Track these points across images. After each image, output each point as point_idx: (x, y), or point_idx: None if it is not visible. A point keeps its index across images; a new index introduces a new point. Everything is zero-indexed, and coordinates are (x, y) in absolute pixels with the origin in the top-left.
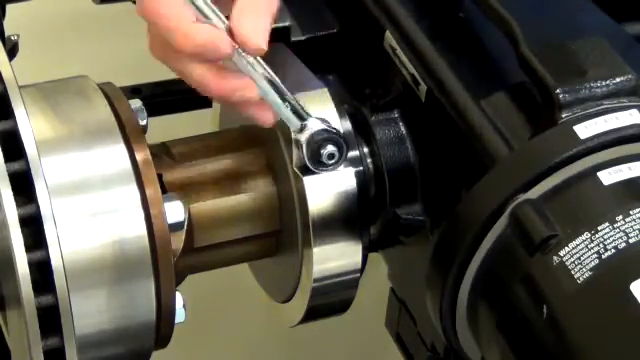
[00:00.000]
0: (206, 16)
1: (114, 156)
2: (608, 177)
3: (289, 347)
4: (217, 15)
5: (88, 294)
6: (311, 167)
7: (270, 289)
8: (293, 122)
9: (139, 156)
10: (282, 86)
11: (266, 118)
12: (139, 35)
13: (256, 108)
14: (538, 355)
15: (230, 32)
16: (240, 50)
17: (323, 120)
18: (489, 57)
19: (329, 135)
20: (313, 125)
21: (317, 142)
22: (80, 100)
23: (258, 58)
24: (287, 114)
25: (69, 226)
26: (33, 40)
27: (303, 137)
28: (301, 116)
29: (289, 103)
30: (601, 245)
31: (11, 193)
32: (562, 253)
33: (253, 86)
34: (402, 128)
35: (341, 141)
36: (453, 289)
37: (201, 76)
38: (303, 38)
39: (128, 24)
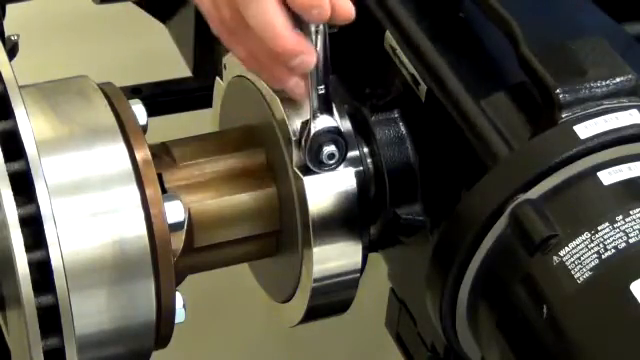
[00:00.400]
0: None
1: (114, 156)
2: (608, 177)
3: (289, 347)
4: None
5: (88, 294)
6: (311, 167)
7: (270, 289)
8: (312, 108)
9: (139, 156)
10: (328, 73)
11: (299, 91)
12: (139, 35)
13: (294, 78)
14: (538, 355)
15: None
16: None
17: (332, 119)
18: (489, 57)
19: (331, 135)
20: (320, 123)
21: (318, 142)
22: (80, 100)
23: (326, 31)
24: (314, 97)
25: (69, 226)
26: (33, 40)
27: (305, 134)
28: (321, 108)
29: (324, 89)
30: (601, 245)
31: (11, 193)
32: (562, 253)
33: (314, 55)
34: (402, 128)
35: (341, 141)
36: (453, 289)
37: (280, 22)
38: None
39: (128, 24)
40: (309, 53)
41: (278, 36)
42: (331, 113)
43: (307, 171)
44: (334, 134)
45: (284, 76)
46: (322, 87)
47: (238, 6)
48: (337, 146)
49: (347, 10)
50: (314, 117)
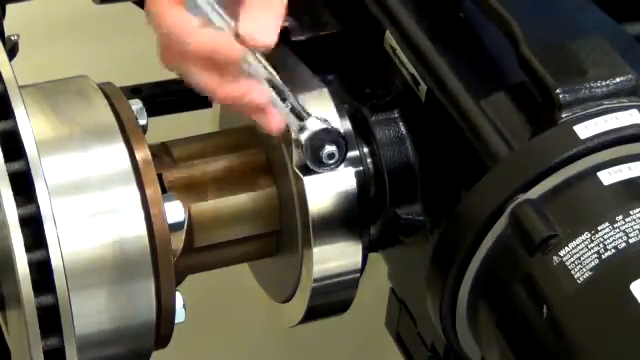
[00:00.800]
0: (211, 20)
1: (114, 156)
2: (608, 177)
3: (289, 347)
4: (223, 18)
5: (88, 294)
6: (311, 167)
7: (270, 289)
8: (292, 122)
9: (139, 156)
10: (281, 85)
11: (274, 125)
12: (139, 35)
13: (265, 114)
14: (538, 355)
15: (236, 33)
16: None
17: (323, 120)
18: (489, 57)
19: (330, 135)
20: (313, 125)
21: (318, 142)
22: (80, 100)
23: (258, 56)
24: (286, 113)
25: (69, 226)
26: (33, 40)
27: (303, 137)
28: (300, 116)
29: (289, 103)
30: (601, 245)
31: (11, 193)
32: (562, 253)
33: (262, 89)
34: (402, 128)
35: (341, 140)
36: (453, 289)
37: (207, 82)
38: (303, 38)
39: (128, 24)
40: (256, 90)
41: (220, 95)
42: (326, 119)
43: (307, 171)
44: (333, 134)
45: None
46: (287, 103)
47: (151, 21)
48: (337, 145)
49: (261, 42)
50: (301, 129)
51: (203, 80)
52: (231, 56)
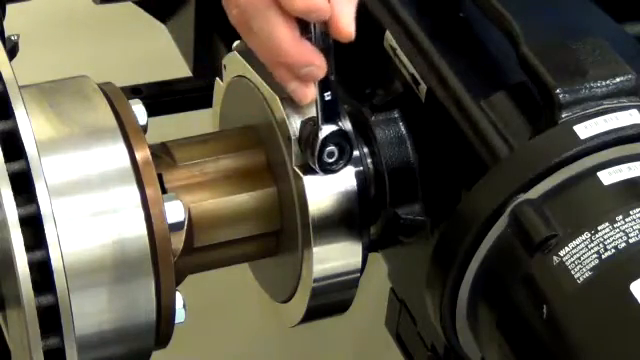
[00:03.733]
0: None
1: (114, 156)
2: (608, 177)
3: (289, 347)
4: None
5: (88, 294)
6: (317, 170)
7: (270, 289)
8: (319, 115)
9: (139, 156)
10: (334, 80)
11: (306, 95)
12: (139, 35)
13: (301, 83)
14: (538, 355)
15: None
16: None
17: (340, 125)
18: (489, 57)
19: (338, 139)
20: (327, 130)
21: (325, 147)
22: (80, 100)
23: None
24: (320, 104)
25: (69, 226)
26: (33, 40)
27: (311, 140)
28: (328, 115)
29: (330, 96)
30: (601, 245)
31: (11, 193)
32: (562, 253)
33: (324, 67)
34: (402, 128)
35: (347, 147)
36: (453, 289)
37: (283, 36)
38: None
39: (128, 24)
40: (316, 63)
41: (283, 50)
42: (338, 120)
43: (307, 170)
44: (341, 140)
45: (286, 79)
46: (328, 94)
47: (246, 19)
48: (342, 151)
49: (347, 30)
50: (320, 125)
51: (278, 32)
52: (314, 74)
